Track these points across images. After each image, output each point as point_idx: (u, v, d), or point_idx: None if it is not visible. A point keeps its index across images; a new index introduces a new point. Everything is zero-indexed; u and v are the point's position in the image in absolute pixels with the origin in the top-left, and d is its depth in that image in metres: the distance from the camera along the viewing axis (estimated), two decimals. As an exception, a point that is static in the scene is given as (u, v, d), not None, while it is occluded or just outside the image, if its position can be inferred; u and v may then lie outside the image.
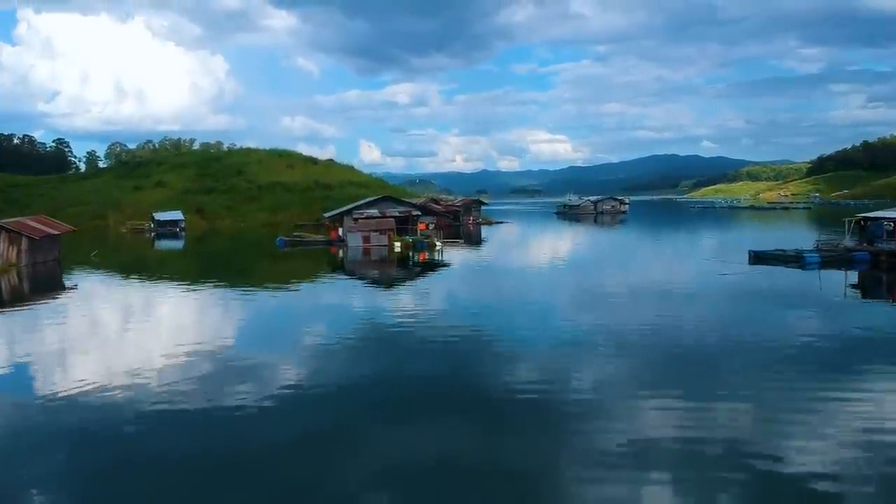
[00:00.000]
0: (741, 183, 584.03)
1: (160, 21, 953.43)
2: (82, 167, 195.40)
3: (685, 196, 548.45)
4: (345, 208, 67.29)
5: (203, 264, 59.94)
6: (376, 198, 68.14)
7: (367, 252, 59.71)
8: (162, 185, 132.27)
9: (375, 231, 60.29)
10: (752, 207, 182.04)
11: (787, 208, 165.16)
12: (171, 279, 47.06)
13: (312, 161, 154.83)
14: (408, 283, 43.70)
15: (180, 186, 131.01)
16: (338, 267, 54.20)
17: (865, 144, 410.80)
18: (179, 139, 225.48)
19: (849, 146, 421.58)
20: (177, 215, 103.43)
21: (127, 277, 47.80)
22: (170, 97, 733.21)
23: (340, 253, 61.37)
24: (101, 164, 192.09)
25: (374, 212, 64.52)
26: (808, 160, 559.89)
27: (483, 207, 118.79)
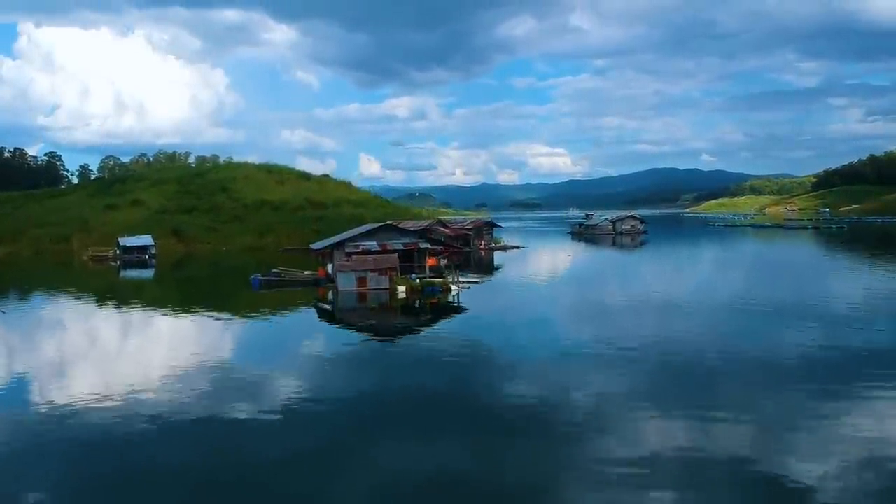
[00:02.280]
0: (745, 197, 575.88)
1: (160, 35, 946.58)
2: (75, 181, 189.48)
3: (688, 210, 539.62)
4: (335, 238, 54.49)
5: (155, 301, 47.05)
6: (375, 226, 55.15)
7: (362, 297, 46.94)
8: (138, 203, 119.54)
9: (373, 271, 47.46)
10: (778, 226, 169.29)
11: (818, 227, 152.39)
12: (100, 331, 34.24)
13: (305, 177, 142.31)
14: (412, 347, 31.03)
15: (157, 205, 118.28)
16: (323, 316, 41.54)
17: (872, 158, 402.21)
18: (174, 153, 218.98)
19: (854, 160, 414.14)
20: (146, 240, 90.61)
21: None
22: (170, 111, 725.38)
23: (329, 295, 48.63)
24: (94, 178, 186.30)
25: (371, 244, 51.78)
26: (810, 174, 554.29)
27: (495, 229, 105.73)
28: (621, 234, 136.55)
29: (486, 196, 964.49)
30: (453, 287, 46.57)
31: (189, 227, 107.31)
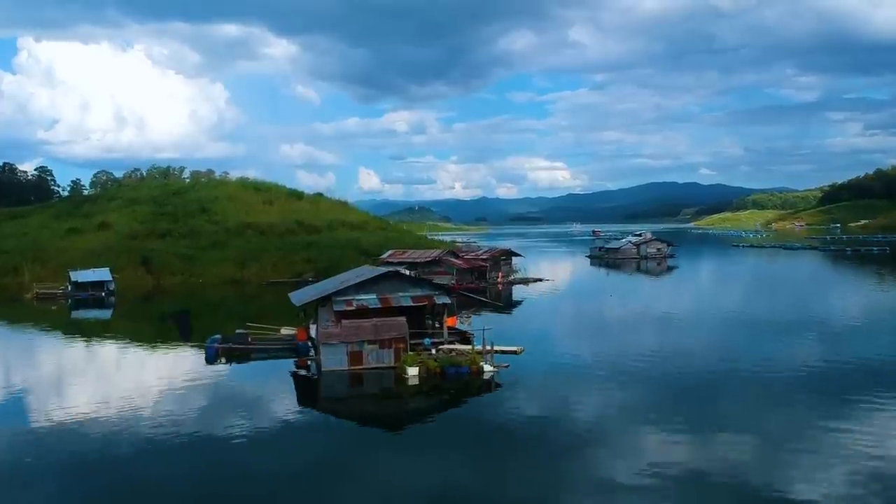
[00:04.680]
0: (748, 212, 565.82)
1: (160, 49, 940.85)
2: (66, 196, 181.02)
3: (692, 225, 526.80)
4: (320, 288, 40.31)
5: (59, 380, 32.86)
6: (375, 272, 40.74)
7: (355, 379, 33.04)
8: (105, 227, 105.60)
9: (373, 342, 33.53)
10: (810, 247, 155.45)
11: (858, 250, 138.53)
12: None
13: (296, 196, 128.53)
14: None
15: (127, 229, 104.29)
16: (301, 403, 27.68)
17: (879, 172, 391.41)
18: (168, 167, 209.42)
19: (859, 174, 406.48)
20: (103, 274, 76.64)
21: None
22: (169, 125, 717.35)
23: (311, 369, 34.80)
24: (86, 194, 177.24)
25: (370, 298, 37.84)
26: (810, 188, 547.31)
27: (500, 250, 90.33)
28: (646, 258, 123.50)
29: (485, 210, 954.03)
30: (486, 367, 32.59)
31: (160, 255, 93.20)
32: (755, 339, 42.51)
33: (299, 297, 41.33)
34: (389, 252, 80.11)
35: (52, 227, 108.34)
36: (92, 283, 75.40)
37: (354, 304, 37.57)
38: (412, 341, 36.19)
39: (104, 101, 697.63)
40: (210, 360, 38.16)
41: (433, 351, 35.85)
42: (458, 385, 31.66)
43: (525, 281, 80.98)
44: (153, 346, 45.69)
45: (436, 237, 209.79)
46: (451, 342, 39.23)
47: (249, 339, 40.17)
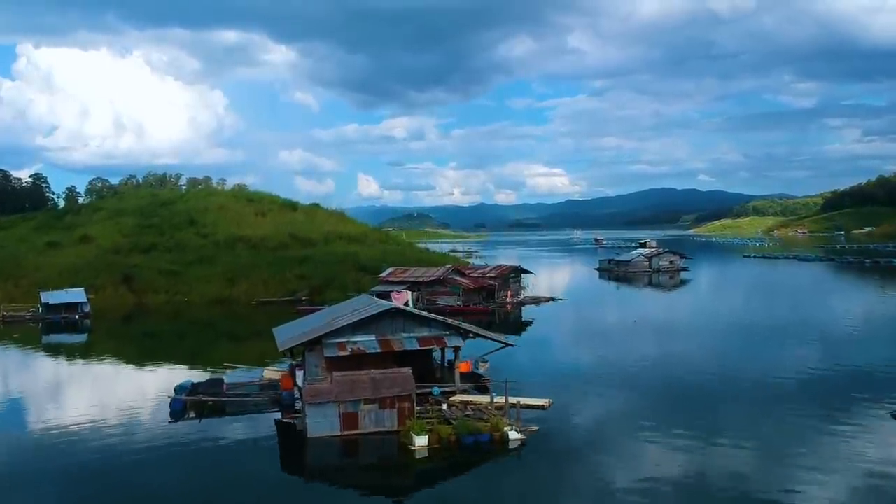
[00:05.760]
0: (748, 218, 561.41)
1: (159, 56, 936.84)
2: (61, 203, 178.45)
3: (692, 231, 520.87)
4: (308, 331, 33.88)
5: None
6: (374, 309, 33.91)
7: (349, 448, 26.84)
8: (86, 240, 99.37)
9: (370, 402, 27.32)
10: (826, 258, 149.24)
11: (877, 262, 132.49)
12: None
13: (291, 206, 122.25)
14: None
15: (110, 243, 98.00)
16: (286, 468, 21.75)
17: (881, 179, 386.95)
18: (165, 174, 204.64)
19: (861, 181, 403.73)
20: (77, 295, 70.32)
21: None
22: (168, 131, 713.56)
23: (297, 426, 28.63)
24: (82, 201, 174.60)
25: (368, 340, 31.73)
26: (809, 194, 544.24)
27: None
28: (658, 271, 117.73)
29: (484, 216, 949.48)
30: (512, 433, 26.39)
31: (143, 271, 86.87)
32: (823, 378, 36.31)
33: (284, 335, 35.07)
34: (389, 270, 73.93)
35: (32, 240, 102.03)
36: (65, 305, 69.08)
37: (349, 347, 31.46)
38: (418, 390, 30.05)
39: (103, 108, 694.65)
40: (176, 415, 31.84)
41: (444, 406, 29.64)
42: (476, 458, 25.48)
43: (536, 300, 74.80)
44: (114, 387, 39.34)
45: (435, 245, 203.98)
46: (464, 390, 33.16)
47: (225, 387, 33.87)
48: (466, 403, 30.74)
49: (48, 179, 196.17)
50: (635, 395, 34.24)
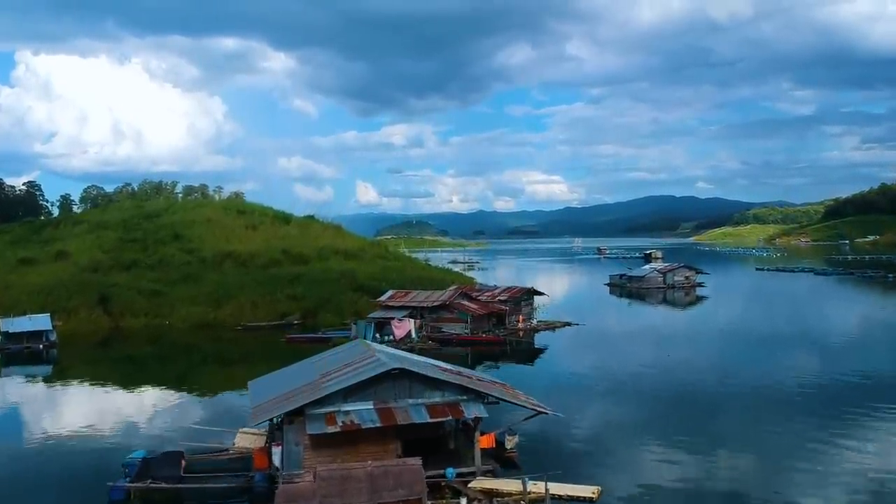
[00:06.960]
0: (749, 226, 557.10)
1: (158, 63, 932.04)
2: (55, 212, 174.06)
3: (692, 239, 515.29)
4: (289, 397, 26.79)
5: None
6: (376, 371, 26.08)
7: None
8: (62, 256, 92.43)
9: (368, 508, 20.50)
10: (844, 272, 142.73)
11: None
12: None
13: (284, 219, 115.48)
14: None
15: (88, 259, 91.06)
16: None
17: (884, 187, 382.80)
18: (161, 182, 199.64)
19: (863, 188, 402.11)
20: (42, 322, 63.34)
21: None
22: (167, 138, 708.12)
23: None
24: (76, 209, 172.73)
25: (364, 410, 24.92)
26: (812, 202, 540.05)
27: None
28: (673, 287, 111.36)
29: (482, 223, 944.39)
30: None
31: (122, 292, 79.91)
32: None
33: (259, 397, 28.10)
34: (389, 293, 67.09)
35: (6, 256, 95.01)
36: (28, 334, 62.13)
37: (339, 421, 24.56)
38: (428, 475, 23.24)
39: (102, 115, 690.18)
40: (117, 505, 24.91)
41: (463, 502, 22.75)
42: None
43: (551, 325, 67.99)
44: (47, 459, 32.25)
45: (435, 255, 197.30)
46: (487, 470, 26.29)
47: (184, 464, 26.81)
48: (492, 494, 23.90)
49: (42, 187, 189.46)
50: (711, 478, 27.23)
